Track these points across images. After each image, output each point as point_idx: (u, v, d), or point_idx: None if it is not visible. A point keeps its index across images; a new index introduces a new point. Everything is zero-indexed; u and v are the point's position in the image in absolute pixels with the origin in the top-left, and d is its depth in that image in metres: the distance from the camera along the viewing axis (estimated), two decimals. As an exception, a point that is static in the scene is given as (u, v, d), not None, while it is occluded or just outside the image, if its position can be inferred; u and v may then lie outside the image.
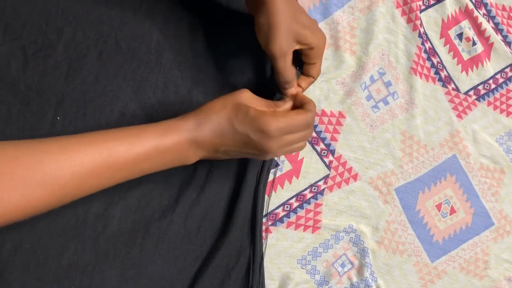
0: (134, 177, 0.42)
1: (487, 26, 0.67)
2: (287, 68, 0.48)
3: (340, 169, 0.60)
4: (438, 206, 0.64)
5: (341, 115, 0.60)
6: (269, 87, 0.57)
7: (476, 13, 0.66)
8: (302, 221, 0.58)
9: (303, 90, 0.53)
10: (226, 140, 0.44)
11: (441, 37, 0.66)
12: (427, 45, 0.64)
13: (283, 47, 0.46)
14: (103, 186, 0.41)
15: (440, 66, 0.65)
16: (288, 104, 0.49)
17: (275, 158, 0.57)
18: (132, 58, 0.51)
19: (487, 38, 0.67)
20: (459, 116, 0.65)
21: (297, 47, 0.48)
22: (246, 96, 0.45)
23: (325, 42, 0.51)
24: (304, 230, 0.58)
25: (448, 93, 0.65)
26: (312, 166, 0.59)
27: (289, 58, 0.47)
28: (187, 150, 0.44)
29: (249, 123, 0.43)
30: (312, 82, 0.53)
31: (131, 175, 0.42)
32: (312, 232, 0.59)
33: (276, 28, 0.45)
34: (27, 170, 0.35)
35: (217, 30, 0.55)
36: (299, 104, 0.48)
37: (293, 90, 0.50)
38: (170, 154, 0.43)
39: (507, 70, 0.68)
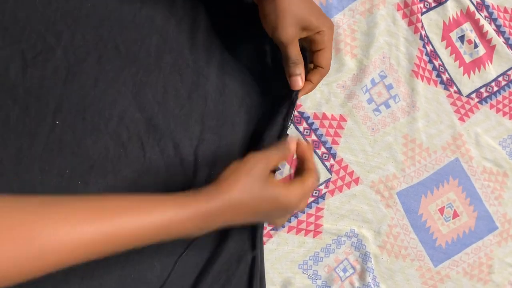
0: (136, 247, 0.38)
1: (489, 28, 0.66)
2: (296, 52, 0.49)
3: (342, 172, 0.59)
4: (441, 210, 0.63)
5: (342, 118, 0.60)
6: (272, 92, 0.56)
7: (477, 15, 0.66)
8: (303, 225, 0.58)
9: (314, 85, 0.53)
10: (249, 214, 0.42)
11: (442, 40, 0.65)
12: (429, 48, 0.64)
13: (291, 33, 0.47)
14: (102, 256, 0.37)
15: (441, 68, 0.65)
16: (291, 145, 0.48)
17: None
18: (131, 62, 0.51)
19: (489, 41, 0.67)
20: (461, 119, 0.65)
21: (304, 34, 0.49)
22: (265, 165, 0.43)
23: (333, 27, 0.51)
24: (305, 234, 0.58)
25: (450, 96, 0.65)
26: (313, 170, 0.59)
27: (297, 44, 0.49)
28: (197, 228, 0.40)
29: (275, 204, 0.43)
30: (323, 74, 0.53)
31: (134, 246, 0.38)
32: (314, 237, 0.58)
33: (283, 14, 0.46)
34: (22, 243, 0.32)
35: (218, 34, 0.55)
36: (303, 165, 0.47)
37: (298, 79, 0.51)
38: (182, 228, 0.39)
39: (510, 72, 0.68)
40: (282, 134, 0.55)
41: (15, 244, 0.32)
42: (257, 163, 0.43)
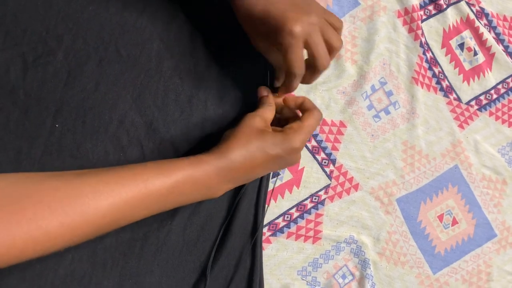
0: (167, 209, 0.42)
1: (489, 36, 0.67)
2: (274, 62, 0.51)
3: (341, 179, 0.59)
4: (440, 217, 0.63)
5: (342, 124, 0.60)
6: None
7: (477, 23, 0.66)
8: (302, 231, 0.58)
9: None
10: (259, 166, 0.45)
11: (442, 47, 0.66)
12: (429, 55, 0.64)
13: (260, 48, 0.50)
14: (137, 218, 0.40)
15: (441, 76, 0.65)
16: (280, 98, 0.52)
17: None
18: (132, 66, 0.51)
19: (489, 48, 0.67)
20: (460, 126, 0.65)
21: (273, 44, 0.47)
22: (259, 120, 0.46)
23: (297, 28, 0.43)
24: (305, 240, 0.58)
25: (449, 103, 0.65)
26: (312, 176, 0.58)
27: (270, 55, 0.50)
28: (217, 183, 0.43)
29: (280, 145, 0.45)
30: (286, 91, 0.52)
31: (164, 207, 0.42)
32: (313, 243, 0.58)
33: (250, 36, 0.49)
34: (66, 199, 0.35)
35: (219, 38, 0.55)
36: (302, 108, 0.51)
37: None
38: (201, 186, 0.42)
39: (509, 80, 0.68)
40: None
41: (61, 200, 0.35)
42: (251, 118, 0.46)
